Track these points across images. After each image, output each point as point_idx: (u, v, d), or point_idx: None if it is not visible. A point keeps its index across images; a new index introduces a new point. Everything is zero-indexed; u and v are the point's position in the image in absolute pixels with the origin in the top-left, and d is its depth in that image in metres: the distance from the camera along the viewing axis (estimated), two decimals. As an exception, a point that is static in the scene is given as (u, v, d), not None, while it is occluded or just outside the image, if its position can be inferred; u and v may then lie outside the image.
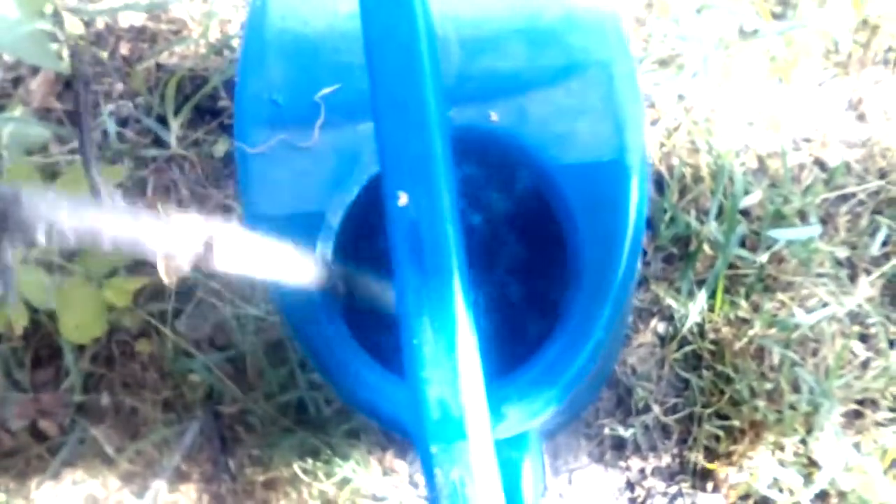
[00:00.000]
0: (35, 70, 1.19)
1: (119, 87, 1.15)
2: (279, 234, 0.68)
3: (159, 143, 1.13)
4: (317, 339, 0.68)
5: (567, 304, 0.66)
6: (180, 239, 0.47)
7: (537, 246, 0.78)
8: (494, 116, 0.67)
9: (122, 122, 1.14)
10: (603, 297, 0.64)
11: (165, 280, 0.49)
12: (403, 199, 0.55)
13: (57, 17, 1.16)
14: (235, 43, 1.13)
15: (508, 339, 0.65)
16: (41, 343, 1.11)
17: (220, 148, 1.11)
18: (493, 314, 0.70)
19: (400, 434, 0.69)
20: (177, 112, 1.11)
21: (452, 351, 0.54)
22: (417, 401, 0.54)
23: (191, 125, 1.13)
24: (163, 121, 1.12)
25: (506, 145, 0.67)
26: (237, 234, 0.51)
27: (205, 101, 1.12)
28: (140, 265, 1.07)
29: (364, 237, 0.70)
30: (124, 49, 1.17)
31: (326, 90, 0.67)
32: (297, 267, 0.60)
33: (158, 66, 1.15)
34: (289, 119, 0.69)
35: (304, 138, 0.68)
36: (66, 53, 1.17)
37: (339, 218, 0.68)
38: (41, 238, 0.40)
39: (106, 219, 0.42)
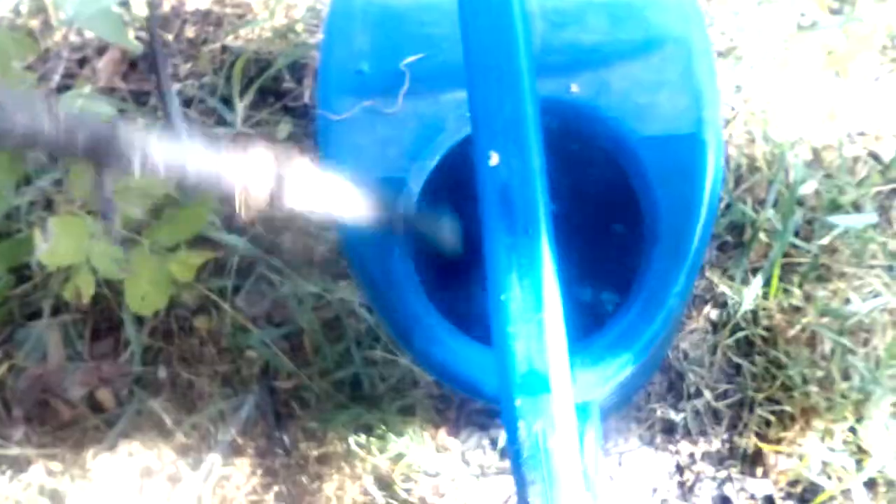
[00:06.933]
0: (101, 50, 1.21)
1: (185, 68, 1.17)
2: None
3: (223, 122, 1.15)
4: (393, 301, 0.69)
5: (642, 273, 0.67)
6: (257, 173, 0.49)
7: (613, 216, 0.79)
8: (575, 88, 0.69)
9: (188, 103, 1.16)
10: (679, 265, 0.66)
11: (243, 215, 0.51)
12: (495, 159, 0.57)
13: (124, 0, 1.19)
14: (300, 27, 1.16)
15: (581, 306, 0.66)
16: (101, 316, 1.14)
17: (283, 129, 1.13)
18: (566, 281, 0.72)
19: (473, 396, 0.70)
20: (241, 94, 1.13)
21: (539, 307, 0.56)
22: (503, 355, 0.56)
23: (254, 107, 1.15)
24: (226, 102, 1.15)
25: (585, 116, 0.69)
26: (310, 170, 0.53)
27: (269, 84, 1.15)
28: (201, 241, 1.09)
29: (443, 203, 0.72)
30: (190, 32, 1.19)
31: (412, 58, 0.69)
32: (365, 206, 0.62)
33: (224, 49, 1.17)
34: (373, 88, 0.70)
35: (387, 106, 0.70)
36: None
37: (420, 184, 0.70)
38: (137, 169, 0.42)
39: (192, 152, 0.45)
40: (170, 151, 0.45)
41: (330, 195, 0.57)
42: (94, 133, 0.42)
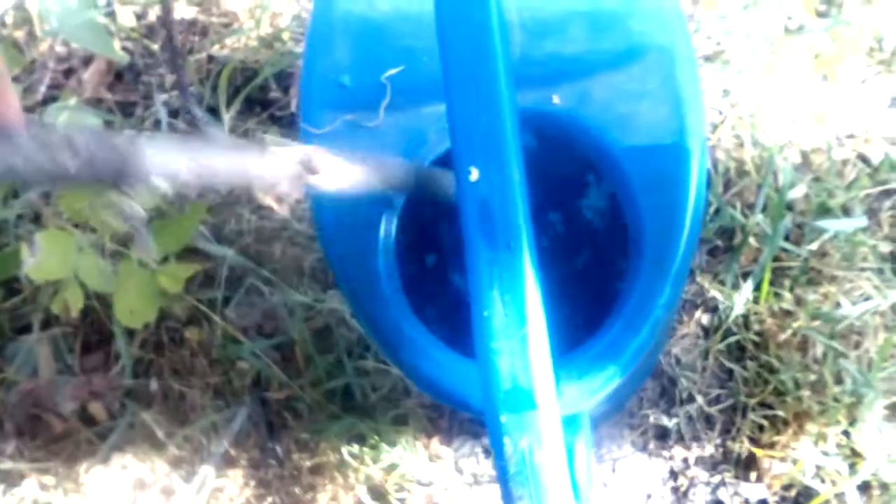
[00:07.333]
0: (87, 61, 1.21)
1: (171, 78, 1.17)
2: (344, 213, 0.70)
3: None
4: (379, 315, 0.69)
5: (627, 284, 0.67)
6: (283, 165, 0.49)
7: (597, 231, 0.79)
8: (556, 99, 0.68)
9: (174, 113, 1.16)
10: (664, 276, 0.65)
11: (277, 208, 0.51)
12: (475, 174, 0.57)
13: (110, 10, 1.19)
14: (286, 36, 1.15)
15: (565, 319, 0.66)
16: (91, 329, 1.13)
17: (270, 139, 1.12)
18: (550, 295, 0.72)
19: (461, 409, 0.70)
20: (228, 103, 1.13)
21: (522, 322, 0.55)
22: (487, 371, 0.56)
23: (241, 116, 1.15)
24: (213, 111, 1.14)
25: (567, 127, 0.68)
26: (331, 154, 0.53)
27: (255, 93, 1.14)
28: (190, 252, 1.09)
29: (426, 218, 0.72)
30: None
31: (393, 70, 0.68)
32: (392, 173, 0.61)
33: (210, 58, 1.17)
34: (354, 101, 0.70)
35: (369, 120, 0.69)
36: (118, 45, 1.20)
37: (402, 198, 0.69)
38: (161, 183, 0.41)
39: (218, 158, 0.44)
40: (196, 162, 0.44)
41: (355, 173, 0.57)
42: (114, 157, 0.40)
